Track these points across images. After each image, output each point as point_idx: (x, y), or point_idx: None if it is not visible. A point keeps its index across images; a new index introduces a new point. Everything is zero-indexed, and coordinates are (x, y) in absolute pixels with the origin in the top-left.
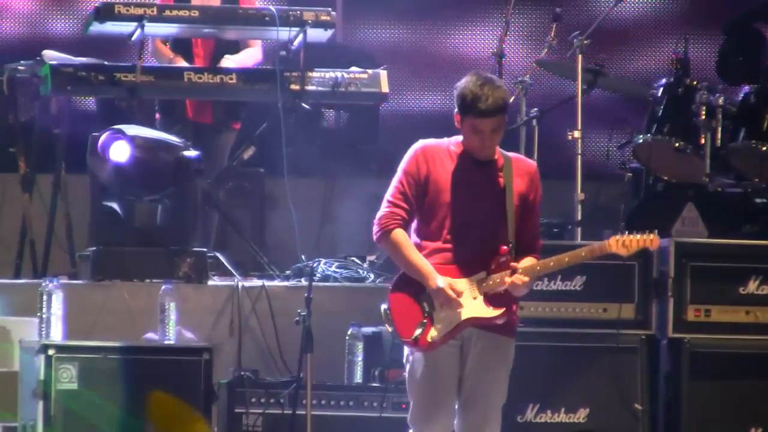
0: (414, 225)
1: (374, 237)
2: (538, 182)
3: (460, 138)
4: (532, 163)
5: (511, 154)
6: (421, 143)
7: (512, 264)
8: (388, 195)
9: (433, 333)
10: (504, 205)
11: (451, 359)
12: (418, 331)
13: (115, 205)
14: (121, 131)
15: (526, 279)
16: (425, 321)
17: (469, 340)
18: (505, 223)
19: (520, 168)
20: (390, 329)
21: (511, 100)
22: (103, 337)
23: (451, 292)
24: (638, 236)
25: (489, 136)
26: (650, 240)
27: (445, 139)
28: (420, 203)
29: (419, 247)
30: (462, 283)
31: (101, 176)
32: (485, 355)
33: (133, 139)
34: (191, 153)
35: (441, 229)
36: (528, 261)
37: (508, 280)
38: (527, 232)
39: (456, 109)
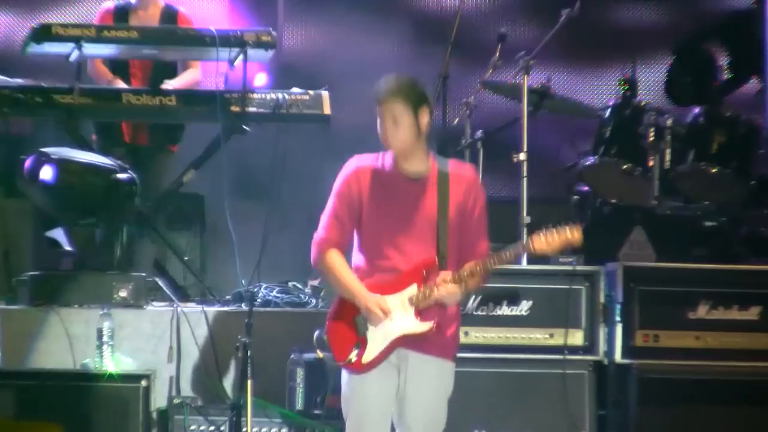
0: (354, 243)
1: (312, 262)
2: (478, 187)
3: (392, 153)
4: (470, 169)
5: (448, 162)
6: (354, 162)
7: (441, 274)
8: (323, 217)
9: (367, 354)
10: (436, 218)
11: (386, 381)
12: (353, 353)
13: (58, 235)
14: (47, 155)
15: (453, 287)
16: (360, 343)
17: (405, 361)
18: (436, 235)
19: (456, 176)
20: (321, 355)
21: (455, 121)
22: (41, 363)
23: (378, 311)
24: (559, 230)
25: (389, 128)
26: (571, 233)
27: (379, 154)
28: (355, 222)
29: (358, 267)
30: (393, 300)
31: (34, 200)
32: (421, 378)
33: (59, 163)
34: (124, 175)
35: (377, 246)
36: (464, 269)
37: (434, 291)
38: (468, 239)
39: None
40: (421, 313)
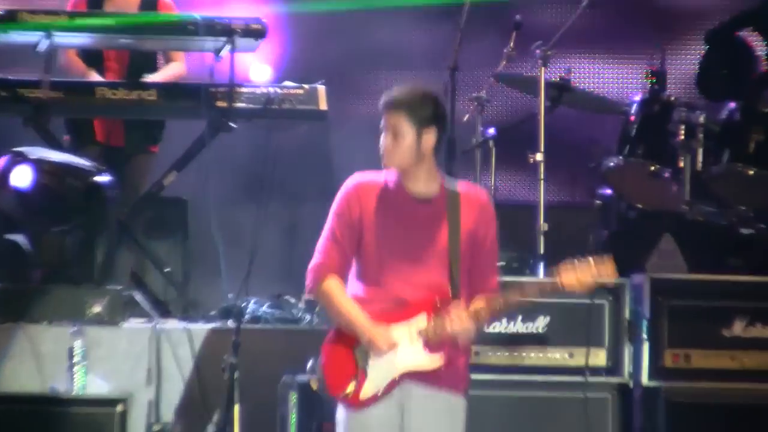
0: (353, 269)
1: (307, 292)
2: (491, 215)
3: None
4: (483, 194)
5: (458, 184)
6: (354, 180)
7: (454, 307)
8: (320, 241)
9: (366, 389)
10: (447, 245)
11: (387, 419)
12: (350, 387)
13: (19, 238)
14: (22, 154)
15: (468, 323)
16: (359, 376)
17: (409, 397)
18: (448, 264)
19: (468, 200)
20: (315, 387)
21: (465, 118)
22: (5, 387)
23: (384, 342)
24: (590, 268)
25: (387, 141)
26: (605, 271)
27: (383, 173)
28: (355, 246)
29: (358, 295)
30: (400, 330)
31: (1, 205)
32: (427, 415)
33: (37, 164)
34: (103, 178)
35: (380, 273)
36: (477, 303)
37: (447, 325)
38: (479, 271)
39: None
40: (428, 347)
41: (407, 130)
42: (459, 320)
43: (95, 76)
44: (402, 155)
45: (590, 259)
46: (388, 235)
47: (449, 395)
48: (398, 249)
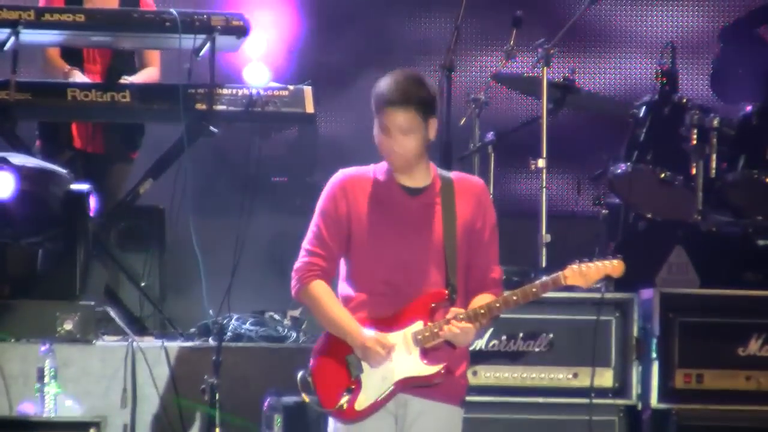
0: (342, 271)
1: (293, 293)
2: (488, 203)
3: (386, 163)
4: (478, 181)
5: (451, 173)
6: (340, 174)
7: (452, 309)
8: (305, 241)
9: (361, 400)
10: (443, 240)
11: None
12: (344, 399)
13: None
14: (4, 160)
15: (466, 326)
16: (353, 387)
17: (405, 408)
18: (445, 262)
19: (463, 189)
20: (307, 399)
21: (462, 122)
22: None
23: (379, 348)
24: (598, 263)
25: (398, 139)
26: (612, 266)
27: (371, 166)
28: (344, 246)
29: (347, 298)
30: (395, 337)
31: None
32: (424, 427)
33: (19, 170)
34: (80, 186)
35: (371, 273)
36: (477, 302)
37: (445, 329)
38: (478, 265)
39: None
40: (427, 354)
41: (417, 124)
42: (456, 325)
43: (78, 76)
44: (414, 153)
45: (601, 258)
46: (379, 233)
47: (447, 405)
48: (390, 247)
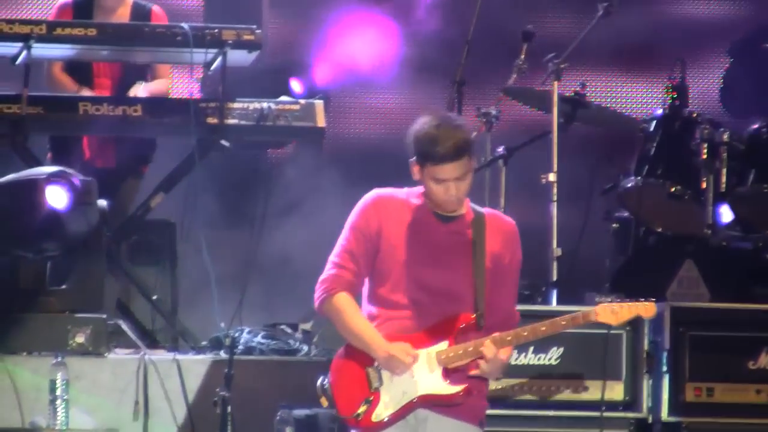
0: (365, 289)
1: (315, 304)
2: (517, 244)
3: (420, 189)
4: (510, 221)
5: (485, 209)
6: (374, 193)
7: (485, 342)
8: (333, 254)
9: (379, 411)
10: (471, 267)
11: None
12: (361, 409)
13: None
14: (63, 173)
15: (494, 351)
16: (371, 397)
17: (424, 423)
18: (473, 288)
19: (494, 225)
20: (325, 403)
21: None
22: None
23: (404, 356)
24: (631, 303)
25: (454, 185)
26: (645, 308)
27: (404, 190)
28: (371, 264)
29: (371, 317)
30: (420, 355)
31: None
32: None
33: (73, 183)
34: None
35: (396, 293)
36: (504, 334)
37: (470, 350)
38: (502, 306)
39: (412, 158)
40: (449, 374)
41: (470, 166)
42: (492, 355)
43: (86, 93)
44: (465, 193)
45: (634, 302)
46: (409, 255)
47: (466, 425)
48: (418, 270)
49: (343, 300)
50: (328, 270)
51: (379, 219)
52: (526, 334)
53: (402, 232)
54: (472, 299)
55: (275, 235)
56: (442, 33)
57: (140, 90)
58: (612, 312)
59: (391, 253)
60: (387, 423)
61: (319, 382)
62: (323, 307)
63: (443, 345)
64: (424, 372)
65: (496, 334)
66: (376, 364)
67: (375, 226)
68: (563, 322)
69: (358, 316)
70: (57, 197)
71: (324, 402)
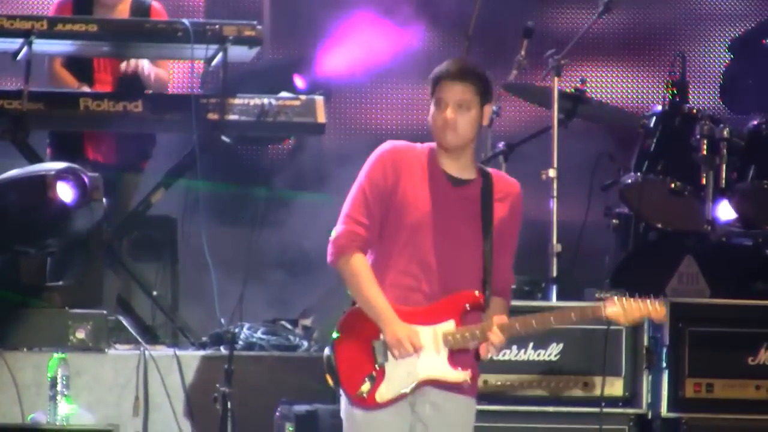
0: (372, 251)
1: (328, 259)
2: (520, 208)
3: (433, 144)
4: (516, 184)
5: (490, 169)
6: (390, 144)
7: (495, 320)
8: (346, 208)
9: (382, 391)
10: (481, 237)
11: (399, 419)
12: (366, 386)
13: None
14: (72, 169)
15: (502, 339)
16: (375, 374)
17: (422, 396)
18: (482, 260)
19: (501, 188)
20: (331, 381)
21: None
22: None
23: (408, 346)
24: (641, 301)
25: (452, 113)
26: (655, 310)
27: (419, 144)
28: (383, 220)
29: (378, 276)
30: (426, 333)
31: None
32: (441, 417)
33: (79, 178)
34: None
35: (402, 257)
36: (499, 309)
37: (477, 334)
38: (501, 269)
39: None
40: (454, 357)
41: (474, 102)
42: (493, 334)
43: (86, 90)
44: (466, 130)
45: (644, 299)
46: (418, 215)
47: (463, 397)
48: (427, 233)
49: (358, 262)
50: (342, 224)
51: (396, 173)
52: (534, 323)
53: (414, 190)
54: (480, 275)
55: (276, 232)
56: (444, 29)
57: (146, 63)
58: (622, 308)
59: (402, 212)
60: (390, 402)
61: (325, 354)
62: (337, 265)
63: (450, 324)
64: (430, 353)
65: (504, 321)
66: (382, 337)
67: (391, 179)
68: (572, 316)
69: (372, 285)
70: (66, 193)
71: (329, 380)
